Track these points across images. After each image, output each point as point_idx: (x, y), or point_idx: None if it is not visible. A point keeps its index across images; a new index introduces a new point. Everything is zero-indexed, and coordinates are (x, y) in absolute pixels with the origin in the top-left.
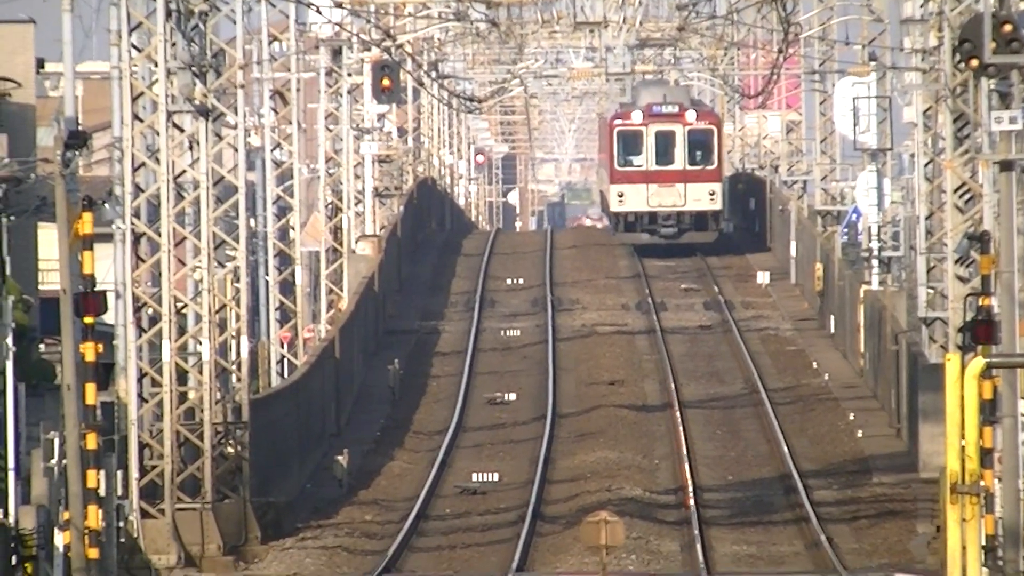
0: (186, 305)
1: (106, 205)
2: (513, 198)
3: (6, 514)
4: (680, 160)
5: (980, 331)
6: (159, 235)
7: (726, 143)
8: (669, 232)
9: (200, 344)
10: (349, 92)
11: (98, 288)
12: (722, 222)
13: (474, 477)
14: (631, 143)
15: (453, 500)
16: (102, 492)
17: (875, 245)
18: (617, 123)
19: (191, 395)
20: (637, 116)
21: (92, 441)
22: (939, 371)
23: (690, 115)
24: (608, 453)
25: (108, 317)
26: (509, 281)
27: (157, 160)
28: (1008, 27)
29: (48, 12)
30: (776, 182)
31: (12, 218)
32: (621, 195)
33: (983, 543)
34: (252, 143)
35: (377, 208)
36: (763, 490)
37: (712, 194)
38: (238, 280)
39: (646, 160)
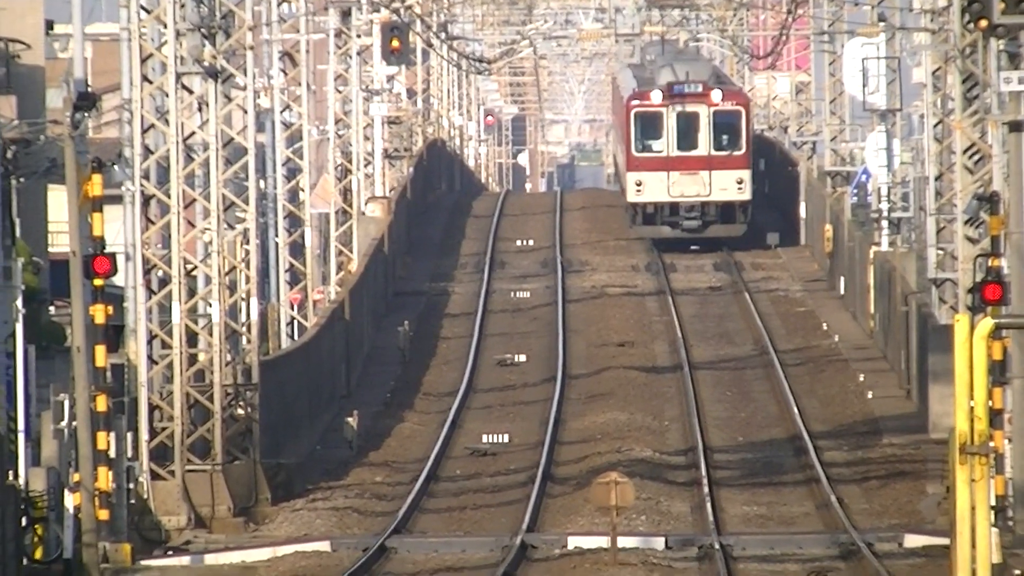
0: (196, 267)
1: (115, 167)
2: (523, 159)
3: (16, 476)
4: (704, 145)
5: (989, 292)
6: (168, 197)
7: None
8: (692, 225)
9: (210, 306)
10: (358, 53)
11: (108, 250)
12: (750, 213)
13: (484, 438)
14: (650, 126)
15: (463, 461)
16: (112, 454)
17: (885, 206)
18: (634, 104)
19: (201, 357)
20: (657, 96)
21: (102, 403)
22: (948, 332)
23: (715, 95)
24: (618, 414)
25: (118, 279)
26: (519, 243)
27: (166, 122)
28: None
29: None
30: (786, 143)
31: (21, 180)
32: (639, 184)
33: (992, 503)
34: (261, 105)
35: (387, 170)
36: (773, 451)
37: (740, 183)
38: (248, 242)
39: (667, 145)
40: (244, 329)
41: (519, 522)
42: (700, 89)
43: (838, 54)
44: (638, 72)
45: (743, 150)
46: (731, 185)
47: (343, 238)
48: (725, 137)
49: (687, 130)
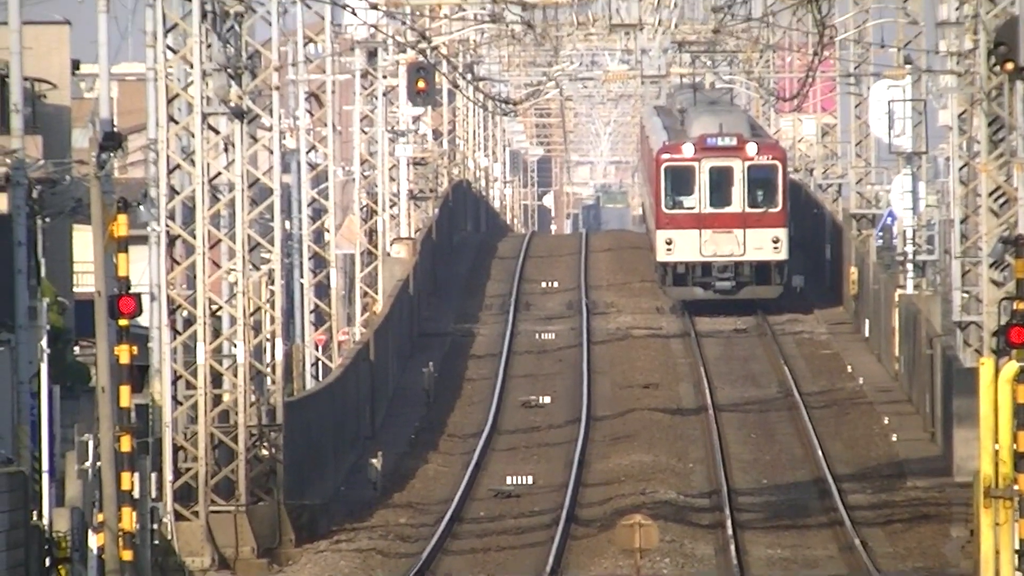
0: (221, 307)
1: (141, 207)
2: (548, 201)
3: (40, 516)
4: (738, 201)
5: (1015, 335)
6: (194, 237)
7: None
8: (725, 286)
9: (235, 346)
10: (384, 94)
11: (133, 290)
12: (787, 274)
13: (508, 480)
14: (681, 181)
15: (487, 503)
16: (136, 494)
17: (910, 249)
18: (665, 157)
19: (226, 397)
20: (688, 149)
21: (126, 443)
22: (973, 375)
23: (750, 148)
24: (642, 456)
25: (143, 319)
26: (544, 284)
27: (192, 162)
28: None
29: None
30: (811, 185)
31: (47, 220)
32: (669, 242)
33: (1016, 547)
34: (287, 145)
35: (412, 210)
36: (797, 493)
37: (776, 241)
38: (273, 282)
39: (699, 201)
40: (269, 370)
41: (543, 564)
42: (734, 142)
43: (864, 96)
44: (668, 121)
45: (779, 207)
46: (767, 244)
47: (368, 279)
48: (760, 193)
49: (720, 185)
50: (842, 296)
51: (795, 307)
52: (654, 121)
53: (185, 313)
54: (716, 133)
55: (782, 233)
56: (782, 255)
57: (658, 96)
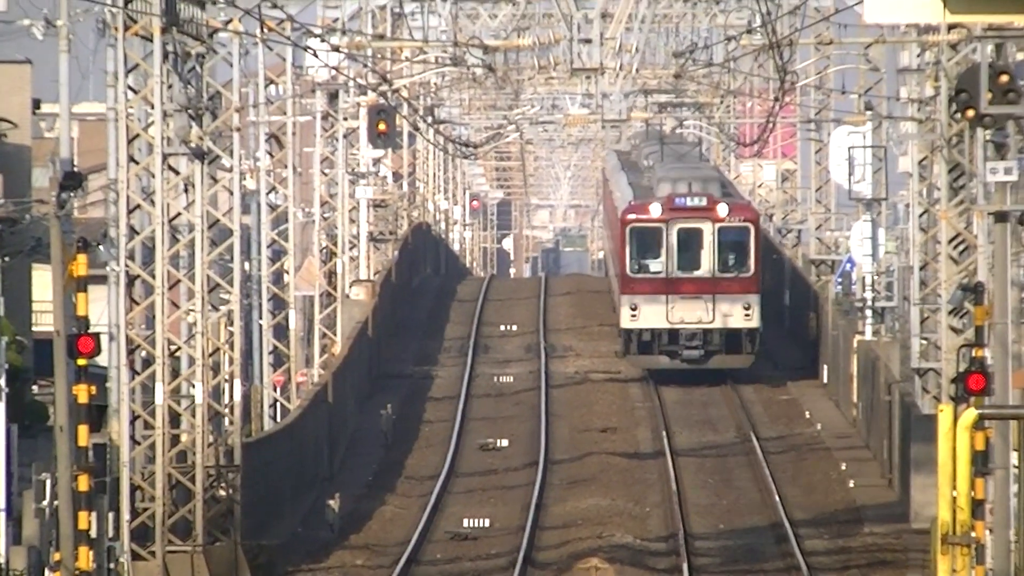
0: (180, 348)
1: (101, 247)
2: (508, 244)
3: None
4: (708, 265)
5: (973, 382)
6: (153, 277)
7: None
8: (693, 355)
9: (193, 387)
10: (345, 136)
11: (92, 330)
12: (758, 343)
13: (465, 523)
14: (647, 243)
15: (444, 545)
16: (93, 533)
17: (869, 295)
18: (631, 218)
19: (183, 438)
20: (656, 209)
21: (84, 482)
22: (932, 422)
23: (722, 209)
24: (600, 500)
25: (102, 359)
26: (503, 327)
27: (152, 202)
28: (1005, 77)
29: (45, 53)
30: (771, 231)
31: (7, 259)
32: (634, 308)
33: None
34: (247, 186)
35: (372, 253)
36: (755, 538)
37: (747, 308)
38: (232, 323)
39: (666, 265)
40: (227, 410)
41: None
42: (705, 202)
43: (825, 142)
44: (633, 176)
45: (751, 271)
46: (738, 311)
47: (327, 321)
48: (732, 256)
49: (689, 248)
50: (801, 341)
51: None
52: (619, 176)
53: (144, 353)
54: (685, 192)
55: (754, 299)
56: (754, 323)
57: (618, 140)
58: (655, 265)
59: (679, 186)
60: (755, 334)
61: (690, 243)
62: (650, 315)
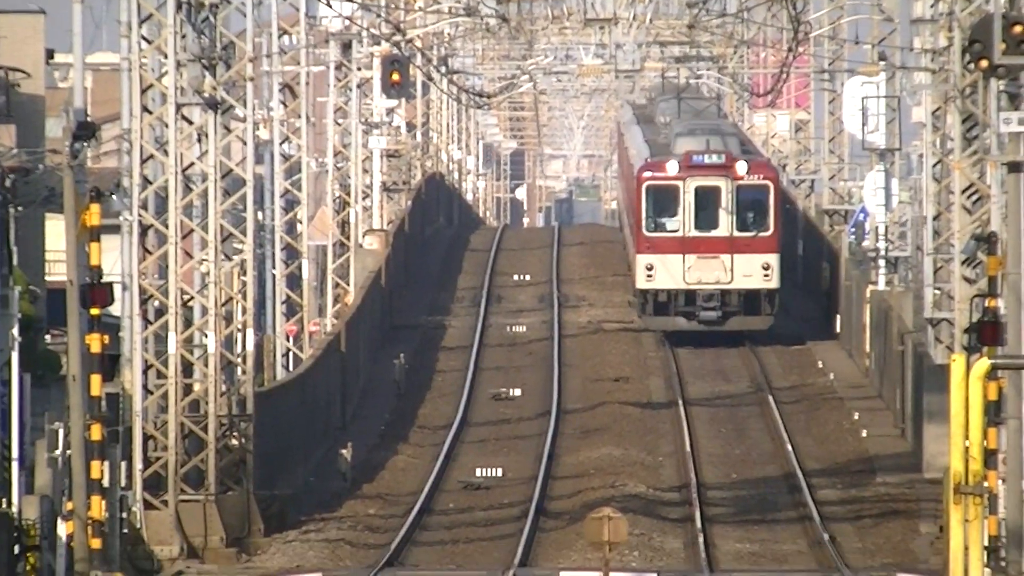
0: (192, 297)
1: (114, 196)
2: (521, 194)
3: (10, 504)
4: (726, 225)
5: (986, 332)
6: (166, 227)
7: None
8: (711, 317)
9: (206, 336)
10: (358, 86)
11: (105, 280)
12: (777, 304)
13: (478, 472)
14: (664, 202)
15: (457, 495)
16: (106, 483)
17: (882, 245)
18: (647, 176)
19: (196, 387)
20: (672, 167)
21: (96, 432)
22: (944, 372)
23: (740, 167)
24: (612, 450)
25: (114, 309)
26: (516, 277)
27: (165, 152)
28: (1018, 28)
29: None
30: (784, 180)
31: (20, 208)
32: (650, 268)
33: (986, 544)
34: (261, 136)
35: (385, 203)
36: (767, 488)
37: (767, 268)
38: (245, 273)
39: (683, 224)
40: (240, 360)
41: (512, 556)
42: (723, 160)
43: (838, 93)
44: (650, 133)
45: (770, 230)
46: (756, 271)
47: (340, 270)
48: (750, 215)
49: (707, 207)
50: (814, 292)
51: None
52: (634, 132)
53: (156, 303)
54: (703, 150)
55: (773, 259)
56: (773, 283)
57: (632, 90)
58: (672, 224)
59: (697, 143)
60: (774, 295)
61: (708, 201)
62: (666, 275)
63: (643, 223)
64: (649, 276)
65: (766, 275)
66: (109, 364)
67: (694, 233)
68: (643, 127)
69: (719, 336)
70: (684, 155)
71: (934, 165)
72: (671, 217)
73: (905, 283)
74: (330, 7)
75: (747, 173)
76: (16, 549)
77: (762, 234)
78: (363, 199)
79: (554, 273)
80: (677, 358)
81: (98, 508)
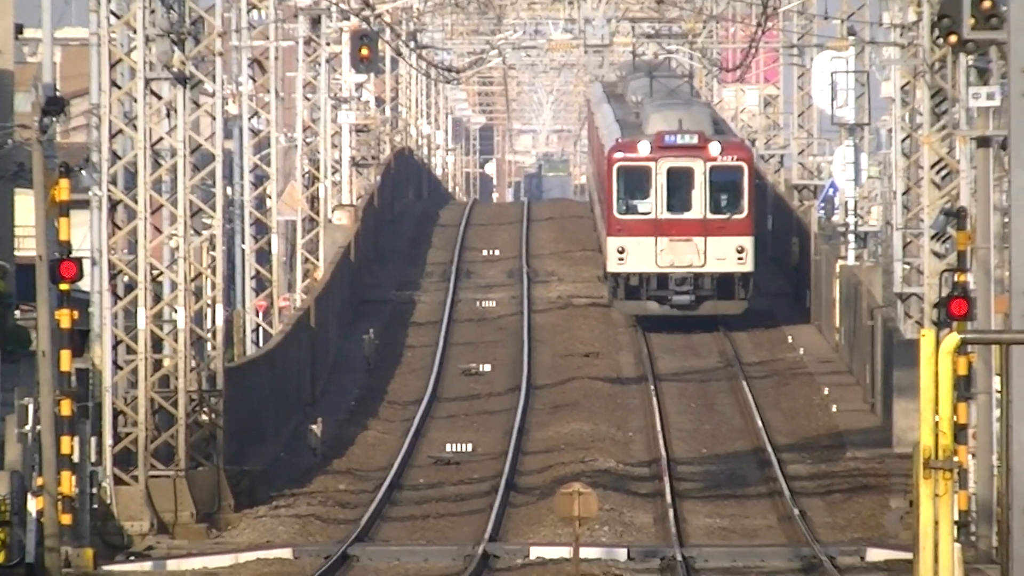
0: (162, 272)
1: (83, 172)
2: (490, 169)
3: None
4: (699, 206)
5: (955, 307)
6: (136, 202)
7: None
8: (683, 301)
9: (175, 312)
10: (327, 61)
11: (74, 255)
12: (752, 287)
13: (448, 447)
14: (635, 183)
15: (427, 470)
16: (76, 458)
17: (851, 220)
18: (618, 156)
19: (166, 362)
20: (644, 147)
21: (66, 407)
22: (914, 347)
23: (713, 147)
24: (582, 425)
25: (84, 284)
26: (485, 252)
27: (134, 127)
28: (987, 3)
29: None
30: (754, 156)
31: None
32: (621, 251)
33: (956, 518)
34: (230, 111)
35: (354, 178)
36: (737, 463)
37: (740, 251)
38: (214, 248)
39: (655, 206)
40: (209, 335)
41: (482, 531)
42: (696, 140)
43: (807, 68)
44: (621, 112)
45: (744, 213)
46: (730, 254)
47: (309, 245)
48: (724, 197)
49: (679, 188)
50: (783, 267)
51: None
52: (605, 111)
53: (126, 278)
54: (675, 130)
55: (747, 242)
56: (747, 267)
57: (600, 65)
58: (643, 206)
59: (669, 122)
60: (748, 279)
61: (680, 183)
62: (638, 258)
63: (614, 205)
64: (620, 259)
65: (740, 258)
66: (79, 339)
67: (666, 215)
68: (614, 106)
69: (692, 321)
70: (656, 135)
71: (903, 140)
72: (643, 199)
73: (875, 258)
74: None
75: (720, 154)
76: None
77: (736, 216)
78: (332, 174)
79: (523, 248)
80: (647, 334)
81: (68, 483)
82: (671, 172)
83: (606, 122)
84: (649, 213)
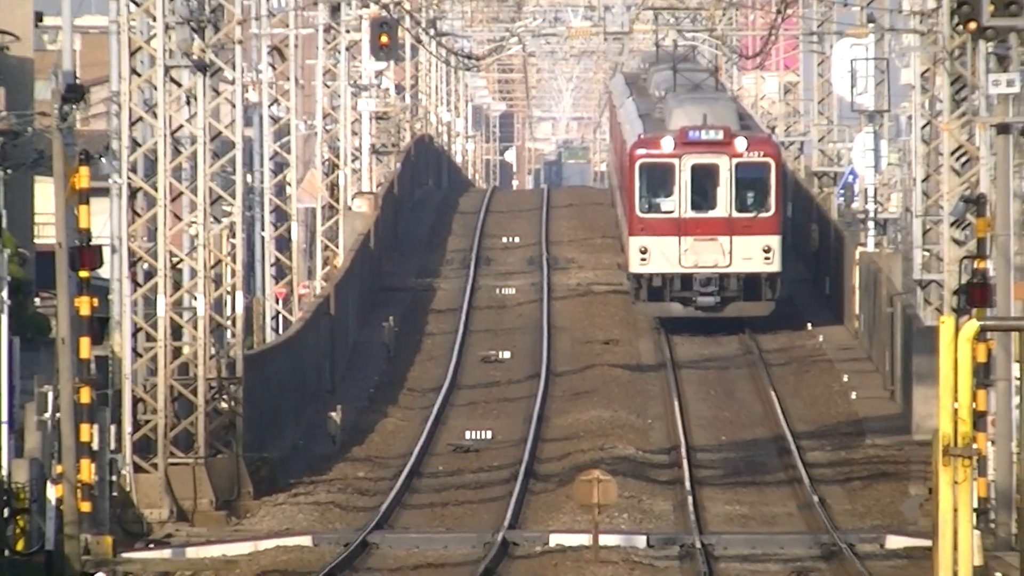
0: (182, 260)
1: (103, 159)
2: (510, 156)
3: None
4: (724, 205)
5: (975, 294)
6: (155, 190)
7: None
8: (708, 302)
9: (195, 299)
10: (347, 49)
11: (94, 242)
12: (780, 288)
13: (467, 435)
14: (659, 181)
15: (446, 458)
16: (95, 446)
17: (871, 207)
18: (640, 153)
19: (185, 350)
20: (667, 144)
21: (86, 395)
22: (933, 333)
23: (739, 143)
24: (602, 412)
25: (104, 271)
26: (505, 239)
27: (154, 115)
28: None
29: None
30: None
31: (9, 171)
32: (644, 251)
33: (975, 506)
34: (250, 99)
35: (374, 165)
36: (756, 451)
37: (768, 251)
38: (234, 236)
39: (679, 204)
40: (229, 323)
41: (501, 519)
42: (721, 136)
43: (827, 55)
44: (644, 107)
45: (772, 211)
46: (757, 254)
47: (329, 233)
48: (750, 195)
49: (704, 186)
50: (803, 254)
51: None
52: (627, 104)
53: (146, 265)
54: (700, 126)
55: (775, 241)
56: (775, 267)
57: (620, 52)
58: (667, 204)
59: (693, 118)
60: (776, 279)
61: (705, 180)
62: (661, 258)
63: (636, 203)
64: (643, 260)
65: (767, 258)
66: (98, 327)
67: (691, 214)
68: (636, 99)
69: (717, 323)
70: (680, 131)
71: (923, 127)
72: (666, 197)
73: (894, 245)
74: None
75: (747, 150)
76: (6, 512)
77: (763, 215)
78: (352, 161)
79: (543, 235)
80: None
81: (87, 471)
82: (695, 169)
83: (628, 116)
84: (673, 212)
